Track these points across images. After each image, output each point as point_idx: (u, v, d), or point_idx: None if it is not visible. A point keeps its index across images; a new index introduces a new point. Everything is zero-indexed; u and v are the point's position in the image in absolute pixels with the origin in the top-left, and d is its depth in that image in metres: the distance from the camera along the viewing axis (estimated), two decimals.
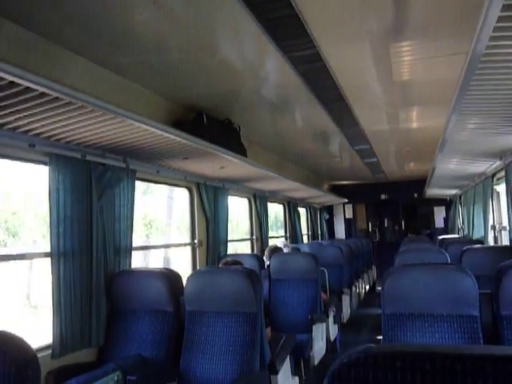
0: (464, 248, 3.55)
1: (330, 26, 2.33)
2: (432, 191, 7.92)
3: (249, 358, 2.44)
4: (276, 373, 2.57)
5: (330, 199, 9.25)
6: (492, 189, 4.83)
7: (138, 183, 3.09)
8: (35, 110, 1.86)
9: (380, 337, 2.31)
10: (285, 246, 5.18)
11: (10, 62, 1.50)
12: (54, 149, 2.37)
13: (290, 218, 7.56)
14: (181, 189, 4.21)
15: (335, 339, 4.86)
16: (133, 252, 2.98)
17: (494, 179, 4.68)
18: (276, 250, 4.68)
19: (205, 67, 2.81)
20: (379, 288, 2.81)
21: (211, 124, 3.46)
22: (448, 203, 9.39)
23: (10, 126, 2.04)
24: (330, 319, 4.52)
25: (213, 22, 2.24)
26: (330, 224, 10.71)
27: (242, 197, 5.71)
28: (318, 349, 3.90)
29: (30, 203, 5.41)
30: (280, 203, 7.47)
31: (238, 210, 6.37)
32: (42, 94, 1.70)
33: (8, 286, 5.07)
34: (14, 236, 5.50)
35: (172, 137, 2.48)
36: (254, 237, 5.86)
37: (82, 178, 2.53)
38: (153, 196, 6.85)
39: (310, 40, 2.43)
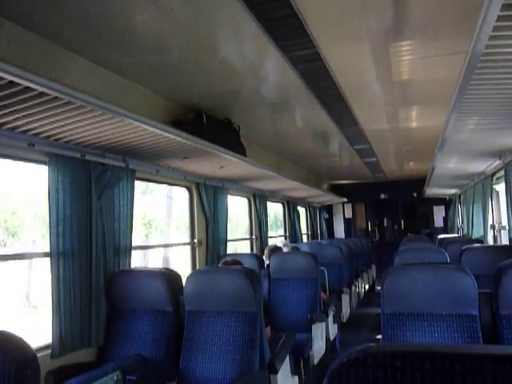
0: (463, 247, 3.55)
1: (330, 26, 2.33)
2: (431, 190, 7.92)
3: (248, 357, 2.44)
4: (275, 372, 2.57)
5: (329, 199, 9.25)
6: (491, 188, 4.84)
7: (137, 183, 3.09)
8: (34, 110, 1.86)
9: (379, 336, 2.31)
10: (284, 246, 5.17)
11: (9, 62, 1.50)
12: (53, 148, 2.36)
13: (289, 217, 7.56)
14: (180, 188, 4.21)
15: (335, 339, 4.87)
16: (132, 252, 2.98)
17: (494, 178, 4.69)
18: (276, 249, 4.68)
19: (205, 67, 2.81)
20: (379, 287, 2.82)
21: (211, 124, 3.46)
22: (447, 202, 9.40)
23: (10, 125, 2.04)
24: (330, 319, 4.52)
25: (213, 22, 2.24)
26: (330, 223, 10.71)
27: (241, 196, 5.72)
28: (318, 348, 3.90)
29: (29, 203, 5.41)
30: (279, 203, 7.47)
31: (237, 209, 6.37)
32: (42, 94, 1.70)
33: (7, 286, 5.07)
34: (13, 236, 5.50)
35: (171, 136, 2.48)
36: (254, 236, 5.86)
37: (81, 177, 2.53)
38: (152, 196, 6.85)
39: (309, 40, 2.43)
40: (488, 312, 2.18)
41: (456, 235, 7.72)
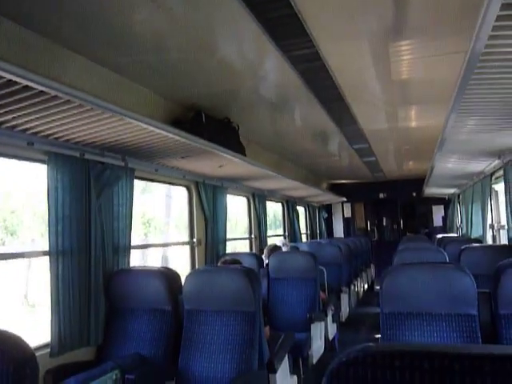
0: (462, 247, 3.55)
1: (329, 26, 2.33)
2: (431, 190, 7.92)
3: (247, 356, 2.44)
4: (274, 371, 2.57)
5: (328, 198, 9.25)
6: (490, 188, 4.84)
7: (136, 182, 3.09)
8: (34, 109, 1.86)
9: (378, 336, 2.31)
10: (284, 245, 5.18)
11: (8, 61, 1.50)
12: (52, 147, 2.36)
13: (288, 216, 7.56)
14: (179, 187, 4.21)
15: (334, 338, 4.87)
16: (131, 251, 2.98)
17: (493, 178, 4.69)
18: (275, 248, 4.68)
19: (204, 66, 2.81)
20: (378, 287, 2.82)
21: (210, 123, 3.46)
22: (446, 202, 9.40)
23: (9, 124, 2.03)
24: (329, 318, 4.52)
25: (212, 22, 2.23)
26: (329, 223, 10.71)
27: (240, 196, 5.71)
28: (317, 348, 3.91)
29: (28, 202, 5.40)
30: (279, 202, 7.47)
31: (236, 208, 6.37)
32: (41, 93, 1.70)
33: (6, 285, 5.06)
34: (12, 235, 5.49)
35: (171, 135, 2.48)
36: (253, 235, 5.86)
37: (80, 176, 2.53)
38: (151, 195, 6.85)
39: (309, 39, 2.43)
40: (487, 312, 2.18)
41: (455, 235, 7.73)
